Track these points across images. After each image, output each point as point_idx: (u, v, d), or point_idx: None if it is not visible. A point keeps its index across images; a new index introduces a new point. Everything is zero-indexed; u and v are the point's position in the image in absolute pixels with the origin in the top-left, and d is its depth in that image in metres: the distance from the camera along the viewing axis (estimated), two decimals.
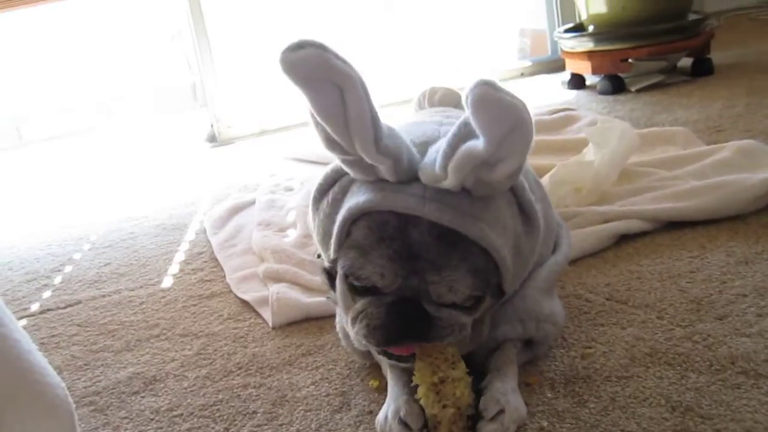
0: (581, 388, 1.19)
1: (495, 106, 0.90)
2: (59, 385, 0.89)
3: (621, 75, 3.41)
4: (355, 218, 1.08)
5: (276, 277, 1.78)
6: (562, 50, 3.81)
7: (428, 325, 1.06)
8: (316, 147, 3.08)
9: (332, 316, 1.48)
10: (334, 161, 1.15)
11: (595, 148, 2.03)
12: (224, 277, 1.93)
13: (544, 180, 1.88)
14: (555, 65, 4.26)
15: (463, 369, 1.12)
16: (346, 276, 1.10)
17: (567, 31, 3.70)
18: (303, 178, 2.69)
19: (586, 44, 3.46)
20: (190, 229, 2.41)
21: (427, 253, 1.03)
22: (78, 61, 3.69)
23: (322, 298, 1.63)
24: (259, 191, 2.59)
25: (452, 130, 0.99)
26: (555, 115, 2.94)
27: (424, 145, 1.09)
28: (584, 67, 3.54)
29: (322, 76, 0.96)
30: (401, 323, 1.07)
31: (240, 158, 3.52)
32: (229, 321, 1.68)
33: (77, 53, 3.69)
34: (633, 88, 3.35)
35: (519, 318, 1.24)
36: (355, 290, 1.10)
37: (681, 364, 1.21)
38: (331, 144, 1.03)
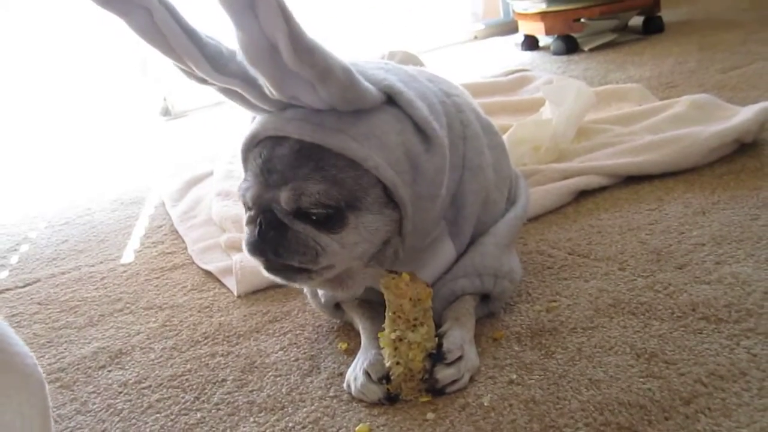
0: (548, 341, 1.21)
1: None
2: (28, 354, 0.84)
3: (574, 35, 3.43)
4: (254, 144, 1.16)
5: (238, 246, 1.77)
6: (514, 12, 3.82)
7: (282, 237, 1.09)
8: None
9: None
10: None
11: (552, 106, 2.05)
12: (186, 248, 1.91)
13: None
14: (508, 27, 4.27)
15: (422, 334, 1.12)
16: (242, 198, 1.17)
17: None
18: None
19: (539, 5, 3.47)
20: (148, 203, 2.38)
21: (280, 166, 1.09)
22: (17, 39, 3.57)
23: None
24: (216, 162, 2.56)
25: None
26: (510, 77, 2.95)
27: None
28: (537, 29, 3.55)
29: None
30: (258, 234, 1.11)
31: (195, 130, 3.48)
32: (194, 292, 1.66)
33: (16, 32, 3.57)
34: (586, 48, 3.37)
35: (477, 273, 1.25)
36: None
37: (644, 312, 1.23)
38: (181, 71, 1.10)
